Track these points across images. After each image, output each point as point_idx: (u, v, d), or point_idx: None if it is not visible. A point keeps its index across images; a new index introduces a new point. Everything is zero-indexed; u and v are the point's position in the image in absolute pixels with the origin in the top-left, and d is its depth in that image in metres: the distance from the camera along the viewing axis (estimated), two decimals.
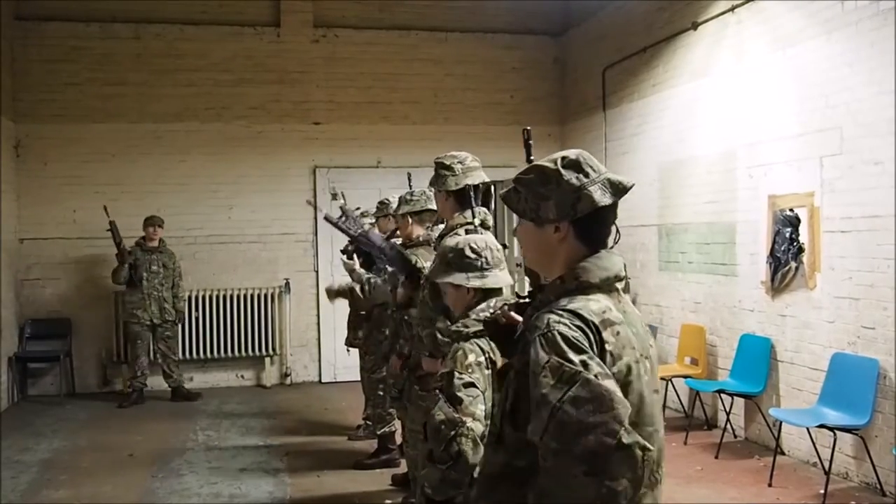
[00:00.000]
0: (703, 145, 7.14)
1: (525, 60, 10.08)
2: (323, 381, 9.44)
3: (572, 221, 1.78)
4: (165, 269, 8.55)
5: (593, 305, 1.72)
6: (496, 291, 2.79)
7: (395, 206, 6.17)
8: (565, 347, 1.61)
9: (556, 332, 1.63)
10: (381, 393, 6.28)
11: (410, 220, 4.58)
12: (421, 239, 4.46)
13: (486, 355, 2.66)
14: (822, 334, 5.74)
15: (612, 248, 1.85)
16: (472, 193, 3.65)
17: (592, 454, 1.53)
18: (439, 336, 3.35)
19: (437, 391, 2.70)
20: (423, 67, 9.73)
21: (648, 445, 1.58)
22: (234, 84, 9.24)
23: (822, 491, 5.24)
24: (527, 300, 2.12)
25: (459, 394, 2.57)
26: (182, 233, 9.03)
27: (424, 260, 4.29)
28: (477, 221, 3.65)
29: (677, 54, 7.55)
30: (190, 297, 9.01)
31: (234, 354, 9.20)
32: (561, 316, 1.67)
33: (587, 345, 1.64)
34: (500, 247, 2.85)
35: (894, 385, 5.13)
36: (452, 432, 2.51)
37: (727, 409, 6.51)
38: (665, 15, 7.69)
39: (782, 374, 6.16)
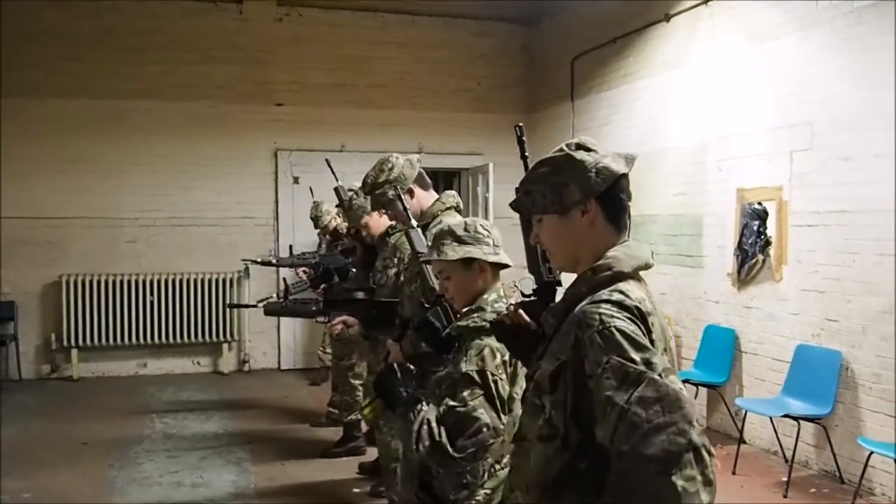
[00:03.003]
0: (674, 137, 7.16)
1: (493, 48, 10.02)
2: (282, 367, 9.30)
3: (598, 199, 1.76)
4: None
5: (633, 294, 1.69)
6: (498, 275, 2.69)
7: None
8: (626, 345, 1.56)
9: (613, 329, 1.59)
10: (350, 380, 6.22)
11: (384, 210, 4.45)
12: (399, 227, 4.36)
13: (509, 353, 2.55)
14: (786, 326, 5.80)
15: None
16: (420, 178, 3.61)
17: (666, 454, 1.49)
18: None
19: (475, 389, 2.49)
20: (390, 51, 9.60)
21: (712, 449, 1.55)
22: (197, 62, 8.98)
23: (785, 479, 5.32)
24: (533, 299, 2.10)
25: (496, 400, 2.47)
26: (139, 214, 8.82)
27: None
28: (453, 203, 3.59)
29: (649, 46, 7.55)
30: (145, 281, 8.80)
31: (190, 340, 9.01)
32: (610, 309, 1.62)
33: (646, 339, 1.60)
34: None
35: (856, 376, 5.21)
36: (491, 441, 2.45)
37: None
38: (637, 6, 7.68)
39: (746, 364, 6.23)
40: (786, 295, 5.83)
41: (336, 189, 5.00)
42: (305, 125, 9.29)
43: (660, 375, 1.54)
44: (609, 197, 1.78)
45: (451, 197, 3.63)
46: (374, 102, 9.55)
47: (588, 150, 1.80)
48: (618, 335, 1.58)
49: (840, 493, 5.14)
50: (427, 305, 2.95)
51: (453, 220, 3.42)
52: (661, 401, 1.51)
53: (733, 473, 5.51)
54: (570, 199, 1.76)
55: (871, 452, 4.64)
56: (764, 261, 6.02)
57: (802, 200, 5.67)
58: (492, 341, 2.49)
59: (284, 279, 6.86)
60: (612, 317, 1.61)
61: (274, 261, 6.43)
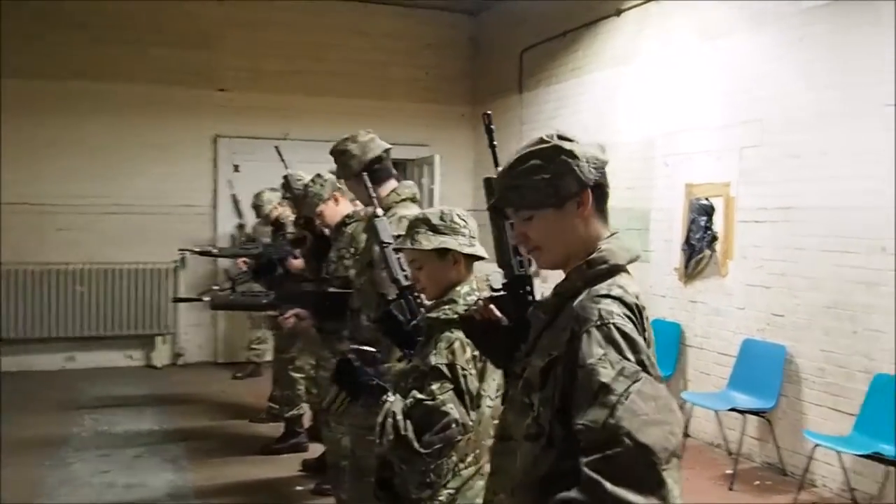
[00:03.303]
0: (623, 132, 7.15)
1: (441, 38, 9.90)
2: (219, 361, 9.03)
3: (592, 189, 1.71)
4: None
5: (630, 289, 1.65)
6: (472, 267, 2.58)
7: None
8: (623, 344, 1.54)
9: (611, 326, 1.55)
10: (291, 374, 6.05)
11: (337, 196, 4.31)
12: (363, 214, 4.21)
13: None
14: (732, 320, 5.84)
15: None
16: (383, 165, 3.48)
17: (660, 447, 1.46)
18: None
19: (444, 383, 2.39)
20: (336, 38, 9.39)
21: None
22: (135, 43, 8.64)
23: (730, 471, 5.37)
24: (502, 294, 2.02)
25: (465, 395, 2.37)
26: (71, 200, 8.44)
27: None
28: (410, 194, 3.48)
29: (599, 40, 7.53)
30: (75, 271, 8.46)
31: (122, 332, 8.69)
32: (609, 305, 1.59)
33: (641, 340, 1.57)
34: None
35: (800, 370, 5.27)
36: (459, 437, 2.35)
37: None
38: (588, 1, 7.64)
39: (691, 358, 6.26)
40: (732, 290, 5.86)
41: (286, 177, 4.84)
42: (248, 112, 9.02)
43: (654, 378, 1.53)
44: (598, 187, 1.73)
45: (408, 188, 3.51)
46: (320, 90, 9.33)
47: (569, 139, 1.74)
48: (616, 333, 1.55)
49: (783, 484, 5.19)
50: (390, 298, 2.84)
51: (409, 211, 3.31)
52: (657, 400, 1.51)
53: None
54: (567, 190, 1.69)
55: (816, 445, 4.69)
56: (710, 256, 6.05)
57: (749, 197, 5.71)
58: (462, 335, 2.39)
59: (227, 270, 6.67)
60: (611, 313, 1.57)
61: (215, 251, 6.20)
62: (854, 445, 4.49)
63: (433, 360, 2.41)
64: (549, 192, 1.69)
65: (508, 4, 9.16)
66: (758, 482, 5.25)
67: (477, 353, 2.40)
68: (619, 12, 7.19)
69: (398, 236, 2.87)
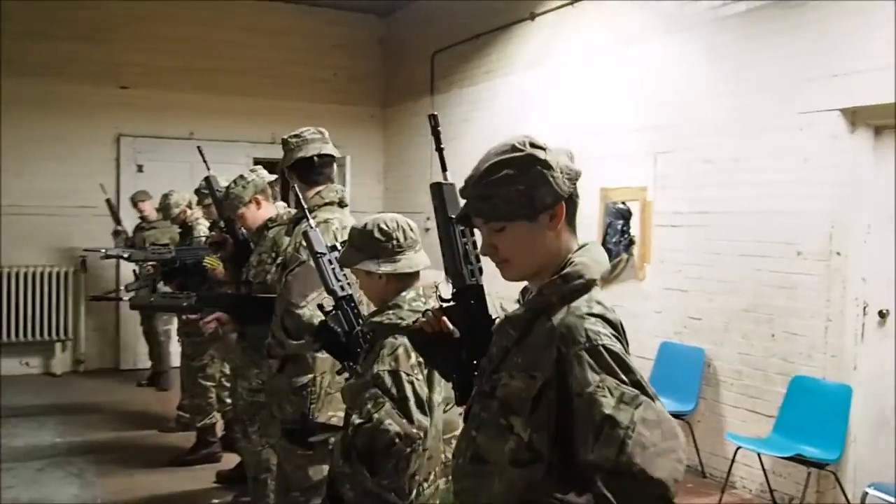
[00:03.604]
0: (539, 135, 7.16)
1: (350, 38, 9.77)
2: (122, 368, 8.64)
3: (565, 200, 1.65)
4: None
5: (606, 304, 1.61)
6: (413, 276, 2.51)
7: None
8: (615, 366, 1.50)
9: (601, 348, 1.51)
10: (202, 382, 5.84)
11: (260, 199, 4.15)
12: (285, 219, 4.07)
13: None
14: (650, 324, 5.93)
15: None
16: (315, 166, 3.39)
17: (670, 480, 1.44)
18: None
19: (379, 392, 2.30)
20: (244, 36, 9.12)
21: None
22: (33, 36, 8.15)
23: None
24: (452, 304, 1.95)
25: (410, 402, 2.28)
26: None
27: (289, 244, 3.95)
28: (335, 198, 3.38)
29: (513, 43, 7.55)
30: None
31: (18, 339, 8.21)
32: (595, 325, 1.54)
33: (627, 355, 1.54)
34: (414, 225, 2.56)
35: (718, 373, 5.39)
36: (408, 449, 2.25)
37: None
38: (502, 4, 7.66)
39: None
40: (649, 293, 5.96)
41: (207, 178, 4.65)
42: (152, 110, 8.66)
43: (651, 398, 1.49)
44: (569, 199, 1.66)
45: (334, 192, 3.40)
46: (226, 89, 9.05)
47: (542, 147, 1.66)
48: (607, 355, 1.51)
49: (703, 486, 5.29)
50: (327, 310, 2.74)
51: (332, 214, 3.23)
52: (661, 425, 1.47)
53: None
54: (541, 202, 1.62)
55: (739, 447, 4.79)
56: (628, 259, 6.13)
57: (666, 201, 5.82)
58: (406, 340, 2.32)
59: (135, 271, 6.38)
60: (599, 333, 1.53)
61: (125, 255, 5.91)
62: (775, 447, 4.60)
63: (376, 367, 2.33)
64: (523, 203, 1.61)
65: (419, 6, 9.10)
66: None
67: (420, 360, 2.33)
68: (533, 16, 7.22)
69: (334, 247, 2.80)
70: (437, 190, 2.06)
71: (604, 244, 6.32)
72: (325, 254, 2.75)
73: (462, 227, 2.04)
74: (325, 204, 3.29)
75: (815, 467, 4.47)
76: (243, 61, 9.14)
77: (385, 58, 9.93)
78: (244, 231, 4.26)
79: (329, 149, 3.40)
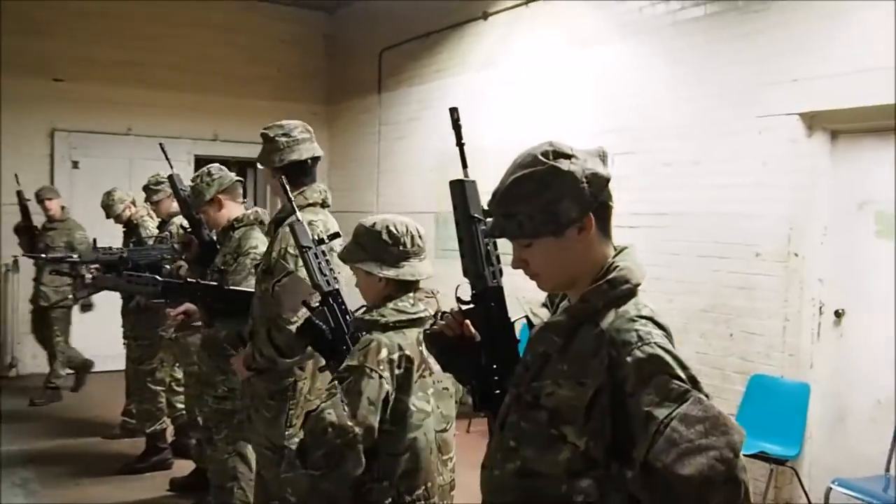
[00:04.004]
0: (490, 136, 7.14)
1: (294, 34, 9.60)
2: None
3: (594, 210, 1.61)
4: None
5: (654, 307, 1.60)
6: (413, 283, 2.44)
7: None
8: (671, 362, 1.47)
9: (654, 345, 1.49)
10: (151, 386, 5.64)
11: (223, 200, 4.01)
12: (252, 217, 3.94)
13: (402, 353, 2.33)
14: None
15: None
16: (307, 168, 3.27)
17: (702, 477, 1.38)
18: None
19: (336, 384, 2.30)
20: (185, 30, 8.87)
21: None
22: None
23: None
24: (471, 307, 1.92)
25: (362, 397, 2.22)
26: None
27: (262, 244, 3.81)
28: (318, 199, 3.28)
29: (465, 42, 7.53)
30: None
31: None
32: (646, 325, 1.53)
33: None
34: (423, 231, 2.50)
35: None
36: (339, 441, 2.17)
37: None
38: (454, 3, 7.62)
39: None
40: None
41: (171, 177, 4.46)
42: (88, 104, 8.33)
43: (707, 396, 1.46)
44: (600, 205, 1.63)
45: (318, 192, 3.29)
46: (166, 84, 8.77)
47: (567, 156, 1.61)
48: (660, 351, 1.49)
49: None
50: (312, 307, 2.66)
51: (315, 216, 3.13)
52: (706, 421, 1.43)
53: None
54: (566, 217, 1.58)
55: None
56: None
57: (624, 202, 5.76)
58: (383, 337, 2.32)
59: (82, 275, 6.10)
60: (650, 333, 1.52)
61: (75, 256, 5.66)
62: None
63: (346, 362, 2.32)
64: (546, 219, 1.57)
65: (367, 3, 9.00)
66: None
67: (397, 357, 2.31)
68: (486, 15, 7.21)
69: (322, 240, 2.72)
70: (459, 187, 2.02)
71: None
72: (311, 247, 2.67)
73: (483, 227, 1.99)
74: (309, 205, 3.18)
75: (775, 464, 4.56)
76: (184, 56, 8.89)
77: (331, 55, 9.79)
78: (210, 232, 4.13)
79: (319, 149, 3.29)
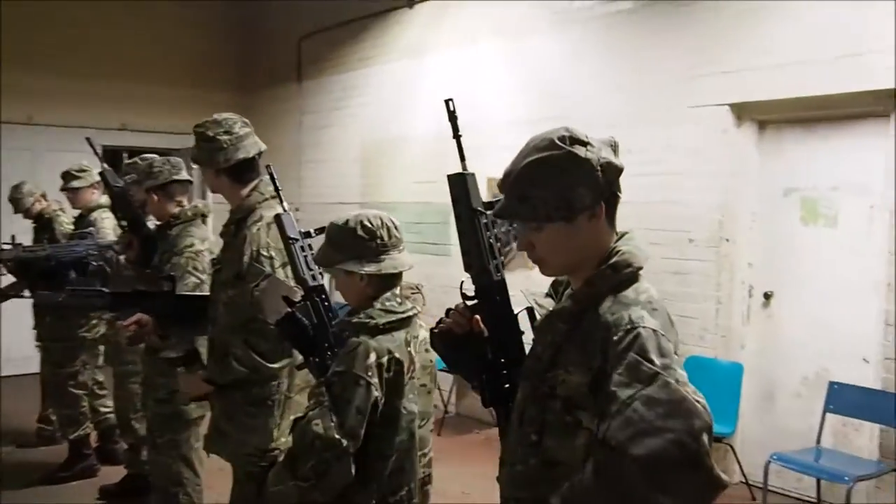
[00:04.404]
0: (417, 125, 7.12)
1: (207, 18, 9.26)
2: None
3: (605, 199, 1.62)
4: None
5: (654, 293, 1.60)
6: (396, 277, 2.38)
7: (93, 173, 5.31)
8: (648, 347, 1.47)
9: (640, 329, 1.49)
10: (73, 390, 5.37)
11: (157, 197, 3.84)
12: (189, 213, 3.79)
13: (391, 356, 2.27)
14: None
15: None
16: (254, 164, 3.15)
17: (652, 459, 1.37)
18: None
19: (324, 390, 2.23)
20: (88, 13, 8.39)
21: (726, 480, 1.44)
22: None
23: None
24: (475, 302, 1.90)
25: (350, 407, 2.17)
26: None
27: (199, 241, 3.68)
28: (271, 193, 3.16)
29: (390, 30, 7.44)
30: None
31: None
32: (640, 311, 1.53)
33: (672, 346, 1.51)
34: (398, 223, 2.43)
35: None
36: (327, 453, 2.14)
37: (438, 386, 6.60)
38: None
39: None
40: (539, 282, 5.93)
41: (102, 173, 4.23)
42: None
43: (676, 381, 1.44)
44: (611, 195, 1.64)
45: (270, 186, 3.18)
46: (69, 70, 8.30)
47: (584, 143, 1.61)
48: (643, 335, 1.49)
49: None
50: (294, 301, 2.56)
51: (273, 211, 3.02)
52: (669, 404, 1.41)
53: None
54: (580, 203, 1.58)
55: None
56: (517, 248, 6.20)
57: None
58: (371, 340, 2.25)
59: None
60: (641, 317, 1.52)
61: None
62: None
63: (333, 367, 2.26)
64: (560, 204, 1.58)
65: None
66: None
67: (387, 360, 2.26)
68: (411, 4, 7.16)
69: (308, 233, 2.63)
70: (460, 180, 2.00)
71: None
72: (297, 240, 2.58)
73: (486, 221, 1.98)
74: (266, 199, 3.06)
75: (714, 441, 4.70)
76: (88, 40, 8.46)
77: (246, 41, 9.50)
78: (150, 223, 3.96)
79: (261, 143, 3.16)
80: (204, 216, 3.87)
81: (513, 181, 1.62)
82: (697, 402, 1.43)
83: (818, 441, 4.45)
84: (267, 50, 9.20)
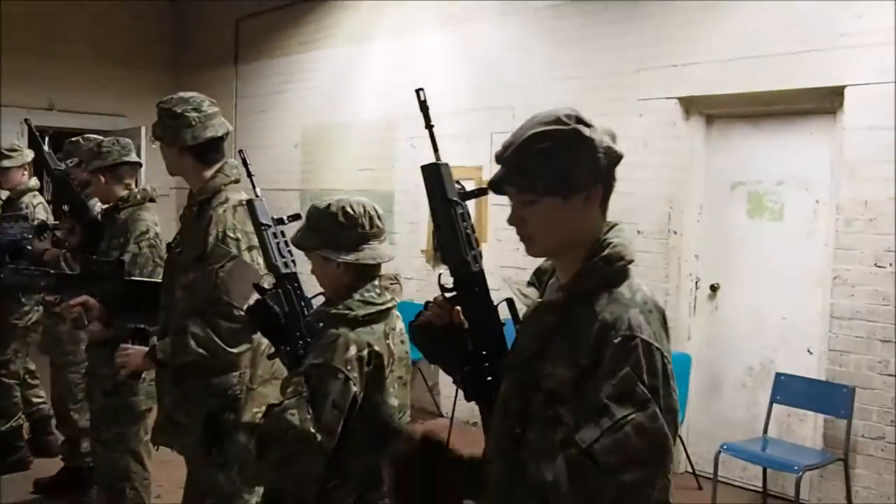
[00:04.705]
0: (360, 111, 7.03)
1: None
2: None
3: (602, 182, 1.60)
4: None
5: (646, 290, 1.59)
6: (374, 268, 2.31)
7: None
8: (643, 364, 1.46)
9: (639, 341, 1.47)
10: (4, 380, 5.14)
11: (104, 179, 3.68)
12: (139, 196, 3.63)
13: (371, 349, 2.20)
14: None
15: None
16: (220, 145, 3.04)
17: (634, 488, 1.42)
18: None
19: (303, 380, 2.16)
20: None
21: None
22: None
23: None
24: (454, 294, 1.87)
25: (327, 401, 2.09)
26: None
27: (152, 226, 3.54)
28: (237, 175, 3.05)
29: (333, 15, 7.32)
30: None
31: None
32: (638, 315, 1.51)
33: (663, 359, 1.51)
34: (381, 212, 2.36)
35: None
36: (299, 445, 2.06)
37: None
38: None
39: None
40: (487, 273, 6.03)
41: (42, 155, 4.02)
42: None
43: (660, 409, 1.45)
44: (607, 182, 1.62)
45: (235, 168, 3.07)
46: None
47: (588, 124, 1.59)
48: (641, 349, 1.47)
49: None
50: (265, 288, 2.47)
51: (239, 195, 2.91)
52: (653, 437, 1.43)
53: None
54: (579, 182, 1.56)
55: None
56: None
57: None
58: (350, 333, 2.17)
59: None
60: (640, 326, 1.50)
61: None
62: None
63: (310, 358, 2.18)
64: (560, 180, 1.55)
65: None
66: None
67: (366, 354, 2.18)
68: None
69: (281, 220, 2.54)
70: (434, 171, 1.96)
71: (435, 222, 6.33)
72: (270, 226, 2.48)
73: (462, 211, 1.94)
74: (231, 182, 2.95)
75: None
76: (12, 15, 8.05)
77: (181, 21, 9.22)
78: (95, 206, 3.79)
79: (228, 123, 3.05)
80: (152, 200, 3.73)
81: (513, 151, 1.58)
82: (669, 438, 1.45)
83: (765, 431, 4.55)
84: (203, 30, 8.95)
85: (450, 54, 6.32)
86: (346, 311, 2.19)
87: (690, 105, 5.02)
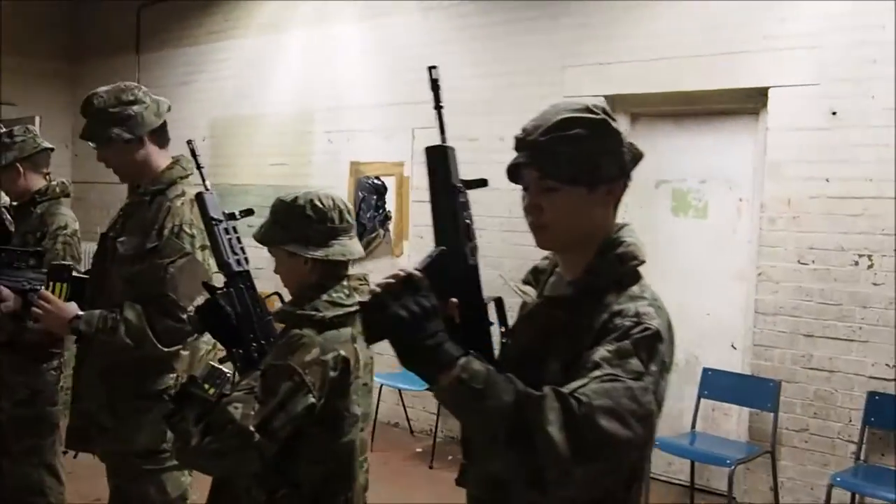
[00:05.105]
0: (272, 104, 6.81)
1: None
2: None
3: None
4: None
5: (655, 292, 1.56)
6: (342, 266, 2.18)
7: None
8: (642, 346, 1.41)
9: (643, 328, 1.43)
10: None
11: (22, 169, 3.41)
12: (57, 190, 3.39)
13: (336, 354, 2.06)
14: None
15: None
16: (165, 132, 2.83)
17: (607, 441, 1.33)
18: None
19: (257, 376, 2.03)
20: None
21: None
22: None
23: (419, 450, 5.50)
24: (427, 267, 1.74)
25: (274, 401, 1.96)
26: None
27: (71, 221, 3.31)
28: (192, 168, 2.84)
29: (243, 5, 7.06)
30: None
31: None
32: (648, 310, 1.47)
33: (666, 354, 1.46)
34: (351, 207, 2.22)
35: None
36: (234, 440, 1.93)
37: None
38: None
39: None
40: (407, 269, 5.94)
41: None
42: None
43: (654, 394, 1.41)
44: (629, 178, 1.59)
45: (190, 163, 2.85)
46: None
47: (613, 118, 1.56)
48: (646, 334, 1.43)
49: None
50: (215, 288, 2.30)
51: (194, 189, 2.72)
52: (640, 407, 1.37)
53: (371, 451, 5.46)
54: (606, 173, 1.53)
55: None
56: (384, 235, 6.07)
57: (424, 176, 5.78)
58: (316, 336, 2.05)
59: None
60: (648, 314, 1.46)
61: None
62: None
63: (269, 359, 2.07)
64: (588, 168, 1.50)
65: None
66: (450, 457, 5.41)
67: (331, 358, 2.05)
68: None
69: (232, 215, 2.37)
70: (440, 153, 1.83)
71: (357, 219, 6.18)
72: (221, 221, 2.31)
73: (463, 200, 1.83)
74: (188, 175, 2.74)
75: None
76: None
77: (77, 6, 8.70)
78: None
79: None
80: (67, 195, 3.49)
81: (541, 134, 1.52)
82: (655, 420, 1.42)
83: (693, 426, 4.62)
84: (102, 17, 8.49)
85: (370, 48, 6.19)
86: (314, 313, 2.07)
87: (615, 103, 5.03)
